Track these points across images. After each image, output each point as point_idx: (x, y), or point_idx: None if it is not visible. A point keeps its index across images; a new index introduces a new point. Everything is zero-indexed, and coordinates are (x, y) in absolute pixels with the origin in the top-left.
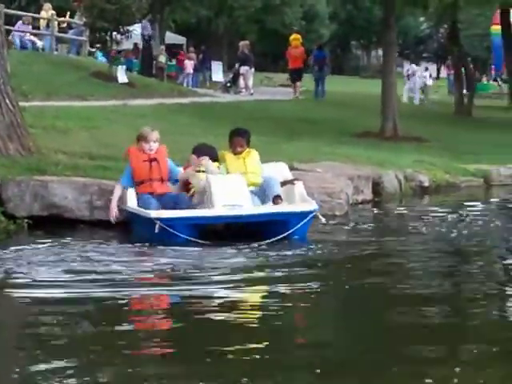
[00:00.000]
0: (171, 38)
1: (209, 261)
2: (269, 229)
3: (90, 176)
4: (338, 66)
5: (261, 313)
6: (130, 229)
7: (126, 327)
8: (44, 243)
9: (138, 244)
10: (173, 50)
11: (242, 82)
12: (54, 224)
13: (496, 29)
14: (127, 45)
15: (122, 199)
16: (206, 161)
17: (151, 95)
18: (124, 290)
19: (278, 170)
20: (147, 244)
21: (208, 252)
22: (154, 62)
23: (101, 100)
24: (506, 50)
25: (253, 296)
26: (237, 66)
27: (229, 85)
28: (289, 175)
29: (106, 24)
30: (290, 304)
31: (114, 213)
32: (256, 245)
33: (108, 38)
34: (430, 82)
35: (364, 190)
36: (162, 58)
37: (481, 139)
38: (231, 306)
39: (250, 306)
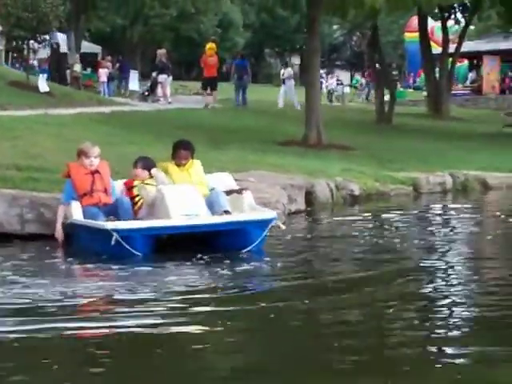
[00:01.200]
0: (87, 47)
1: (166, 280)
2: (225, 239)
3: (20, 188)
4: (252, 74)
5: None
6: (70, 242)
7: None
8: None
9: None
10: (88, 60)
11: (159, 90)
12: None
13: (409, 36)
14: (42, 54)
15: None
16: (156, 171)
17: (70, 104)
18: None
19: (222, 181)
20: (91, 259)
21: (162, 268)
22: (69, 71)
23: (19, 109)
24: (423, 57)
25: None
26: (154, 74)
27: (147, 93)
28: (233, 185)
29: (22, 32)
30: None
31: (60, 234)
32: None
33: (25, 46)
34: (347, 89)
35: (297, 200)
36: (77, 67)
37: (404, 147)
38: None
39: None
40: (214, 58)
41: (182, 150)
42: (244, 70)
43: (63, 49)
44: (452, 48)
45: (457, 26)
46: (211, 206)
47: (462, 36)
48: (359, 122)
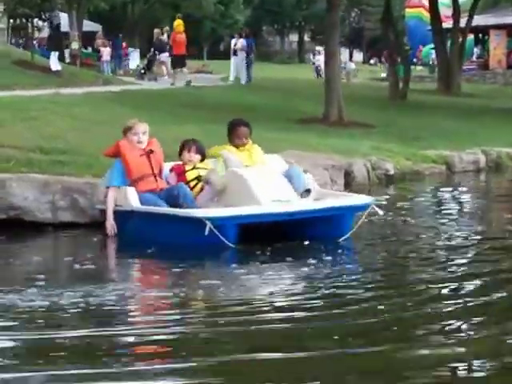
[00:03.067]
0: (87, 25)
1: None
2: (318, 226)
3: (48, 172)
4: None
5: None
6: (123, 233)
7: None
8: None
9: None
10: (88, 38)
11: (164, 69)
12: (13, 228)
13: (410, 11)
14: (43, 33)
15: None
16: (228, 153)
17: (77, 84)
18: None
19: (277, 165)
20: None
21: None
22: (68, 49)
23: (26, 89)
24: (433, 31)
25: None
26: (151, 52)
27: (143, 71)
28: (286, 168)
29: (27, 10)
30: None
31: (112, 224)
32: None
33: (29, 24)
34: (352, 65)
35: (337, 181)
36: (75, 45)
37: (424, 124)
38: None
39: None
40: (183, 35)
41: (242, 127)
42: (249, 48)
43: (64, 28)
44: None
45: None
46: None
47: (473, 9)
48: (372, 98)
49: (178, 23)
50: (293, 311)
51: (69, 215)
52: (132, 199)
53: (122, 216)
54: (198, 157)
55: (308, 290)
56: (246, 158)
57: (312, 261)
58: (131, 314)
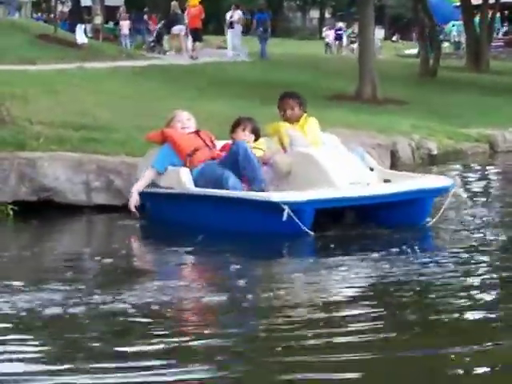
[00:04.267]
0: None
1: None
2: (397, 210)
3: (81, 150)
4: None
5: None
6: (173, 219)
7: None
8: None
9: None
10: (111, 12)
11: (184, 43)
12: (45, 210)
13: None
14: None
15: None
16: (293, 131)
17: (100, 58)
18: None
19: (330, 143)
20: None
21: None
22: (90, 24)
23: (49, 63)
24: (462, 7)
25: None
26: (160, 25)
27: (152, 44)
28: (343, 147)
29: None
30: None
31: (136, 202)
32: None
33: None
34: (378, 42)
35: (385, 161)
36: (98, 19)
37: (459, 101)
38: None
39: None
40: (197, 9)
41: (285, 99)
42: (266, 23)
43: (86, 2)
44: (479, 0)
45: None
46: None
47: None
48: (401, 75)
49: (192, 3)
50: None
51: (104, 197)
52: (186, 181)
53: (174, 200)
54: (253, 137)
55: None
56: (298, 137)
57: (395, 254)
58: (173, 323)
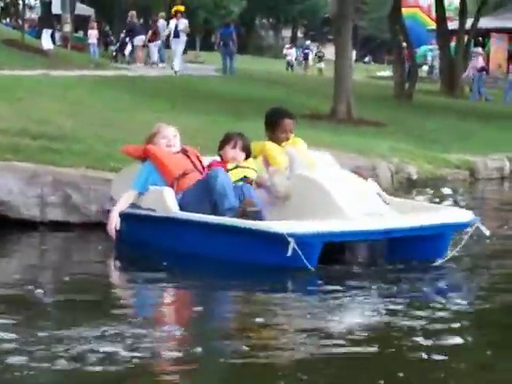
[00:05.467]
0: (79, 8)
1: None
2: (410, 246)
3: (37, 160)
4: (242, 45)
5: None
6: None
7: None
8: None
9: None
10: (81, 22)
11: (140, 53)
12: None
13: (405, 12)
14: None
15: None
16: (291, 149)
17: (68, 67)
18: None
19: (328, 164)
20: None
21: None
22: (60, 33)
23: (16, 69)
24: (438, 32)
25: None
26: (123, 35)
27: (114, 54)
28: (339, 168)
29: None
30: None
31: (116, 224)
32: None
33: (21, 1)
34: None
35: None
36: (67, 28)
37: (437, 125)
38: None
39: None
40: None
41: (287, 119)
42: (229, 38)
43: (56, 10)
44: (454, 25)
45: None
46: None
47: (480, 11)
48: (375, 96)
49: (176, 9)
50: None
51: (60, 213)
52: (171, 203)
53: (156, 223)
54: (243, 155)
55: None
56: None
57: (409, 293)
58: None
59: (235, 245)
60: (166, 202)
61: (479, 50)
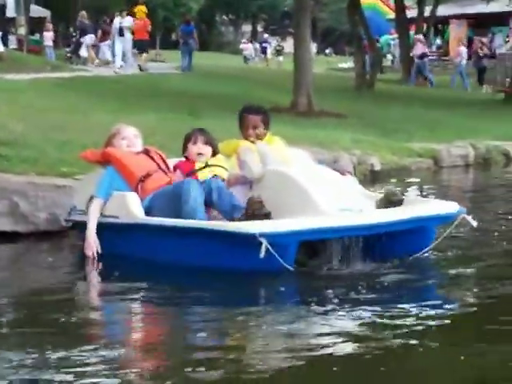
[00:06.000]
0: (35, 10)
1: None
2: (392, 241)
3: None
4: (202, 41)
5: None
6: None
7: None
8: None
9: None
10: (36, 24)
11: (92, 52)
12: None
13: (365, 2)
14: None
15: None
16: (263, 146)
17: (23, 70)
18: None
19: (300, 160)
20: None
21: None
22: (14, 35)
23: None
24: (397, 21)
25: None
26: (76, 35)
27: (69, 55)
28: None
29: None
30: None
31: (95, 244)
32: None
33: None
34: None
35: None
36: (22, 30)
37: (400, 114)
38: None
39: None
40: (141, 21)
41: (251, 115)
42: (190, 35)
43: (10, 13)
44: (414, 13)
45: None
46: None
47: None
48: (336, 88)
49: (138, 9)
50: None
51: (6, 222)
52: (135, 209)
53: (120, 231)
54: (209, 149)
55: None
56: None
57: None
58: None
59: (205, 249)
60: (130, 208)
61: (420, 36)
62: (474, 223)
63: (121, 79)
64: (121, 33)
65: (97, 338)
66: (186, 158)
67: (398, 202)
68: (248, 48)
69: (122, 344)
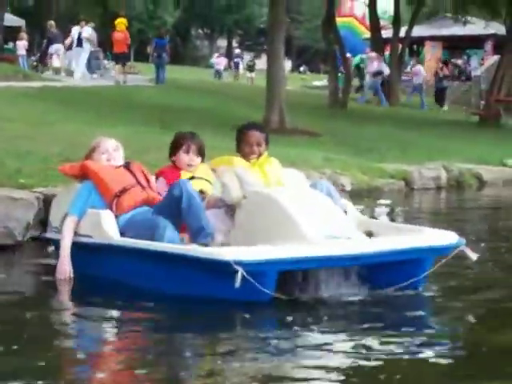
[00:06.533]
0: (9, 19)
1: None
2: (380, 272)
3: None
4: (177, 55)
5: None
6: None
7: None
8: None
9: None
10: (10, 33)
11: (57, 61)
12: None
13: (340, 21)
14: None
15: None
16: (241, 169)
17: None
18: None
19: (293, 181)
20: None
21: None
22: None
23: None
24: (372, 40)
25: None
26: (44, 44)
27: (35, 64)
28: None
29: None
30: None
31: (69, 266)
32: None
33: None
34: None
35: None
36: None
37: (373, 134)
38: None
39: None
40: (122, 34)
41: (252, 131)
42: (163, 49)
43: None
44: (389, 34)
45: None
46: None
47: (414, 19)
48: (310, 106)
49: (118, 22)
50: None
51: None
52: (110, 228)
53: (93, 252)
54: (199, 161)
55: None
56: (258, 177)
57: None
58: None
59: (178, 276)
60: (103, 227)
61: (373, 54)
62: (474, 257)
63: (92, 90)
64: (79, 43)
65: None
66: (174, 162)
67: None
68: (220, 62)
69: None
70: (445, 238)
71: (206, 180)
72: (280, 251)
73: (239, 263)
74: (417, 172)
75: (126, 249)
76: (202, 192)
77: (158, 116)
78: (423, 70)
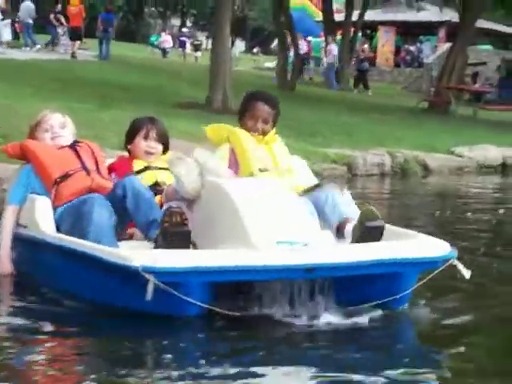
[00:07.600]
0: None
1: None
2: (354, 287)
3: None
4: (129, 32)
5: None
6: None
7: None
8: None
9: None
10: None
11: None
12: None
13: (295, 3)
14: None
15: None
16: (200, 153)
17: None
18: None
19: (303, 175)
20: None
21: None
22: None
23: None
24: (325, 24)
25: None
26: None
27: None
28: (311, 175)
29: None
30: None
31: (9, 266)
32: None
33: None
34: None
35: None
36: None
37: (318, 118)
38: None
39: None
40: (76, 8)
41: (261, 104)
42: (109, 24)
43: None
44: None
45: None
46: (320, 211)
47: (367, 3)
48: (258, 87)
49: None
50: None
51: None
52: (42, 218)
53: (25, 246)
54: (160, 148)
55: None
56: (265, 156)
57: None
58: None
59: (88, 279)
60: (36, 217)
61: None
62: (468, 274)
63: (33, 64)
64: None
65: None
66: (129, 152)
67: (376, 231)
68: (167, 41)
69: None
70: (434, 247)
71: (166, 169)
72: (209, 257)
73: (149, 270)
74: (361, 158)
75: (35, 242)
76: (157, 184)
77: (98, 92)
78: (336, 50)
